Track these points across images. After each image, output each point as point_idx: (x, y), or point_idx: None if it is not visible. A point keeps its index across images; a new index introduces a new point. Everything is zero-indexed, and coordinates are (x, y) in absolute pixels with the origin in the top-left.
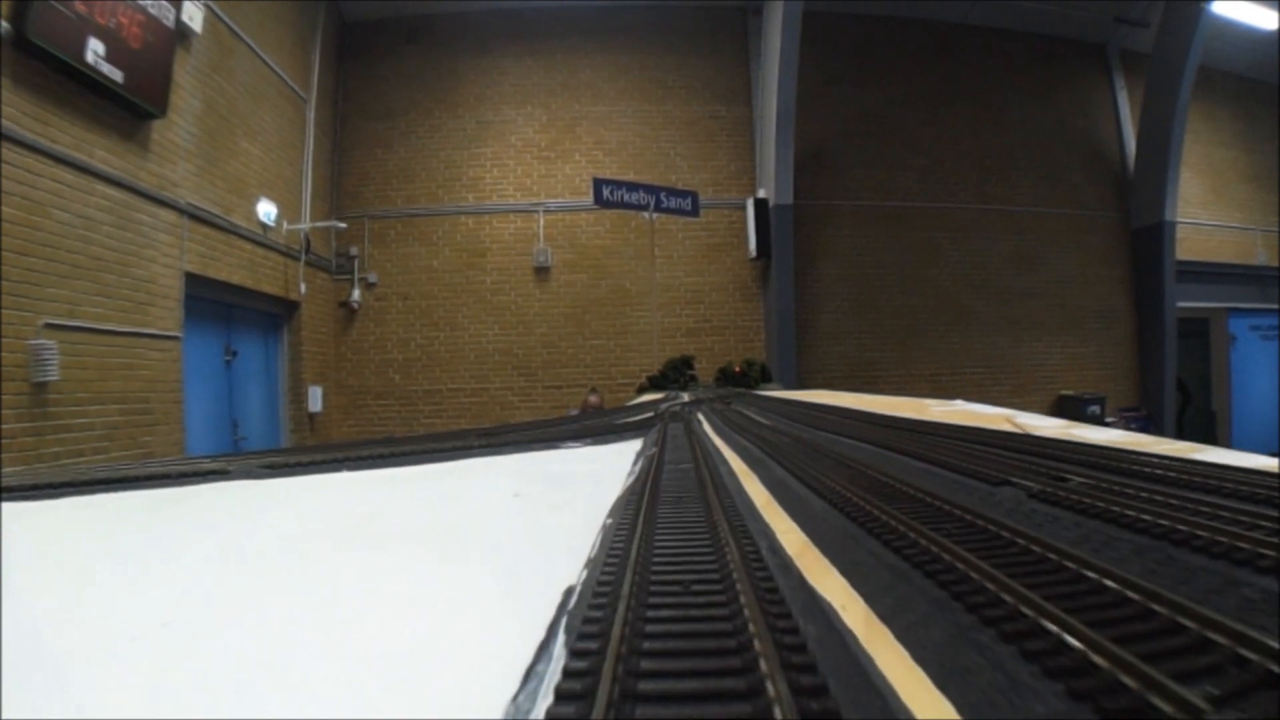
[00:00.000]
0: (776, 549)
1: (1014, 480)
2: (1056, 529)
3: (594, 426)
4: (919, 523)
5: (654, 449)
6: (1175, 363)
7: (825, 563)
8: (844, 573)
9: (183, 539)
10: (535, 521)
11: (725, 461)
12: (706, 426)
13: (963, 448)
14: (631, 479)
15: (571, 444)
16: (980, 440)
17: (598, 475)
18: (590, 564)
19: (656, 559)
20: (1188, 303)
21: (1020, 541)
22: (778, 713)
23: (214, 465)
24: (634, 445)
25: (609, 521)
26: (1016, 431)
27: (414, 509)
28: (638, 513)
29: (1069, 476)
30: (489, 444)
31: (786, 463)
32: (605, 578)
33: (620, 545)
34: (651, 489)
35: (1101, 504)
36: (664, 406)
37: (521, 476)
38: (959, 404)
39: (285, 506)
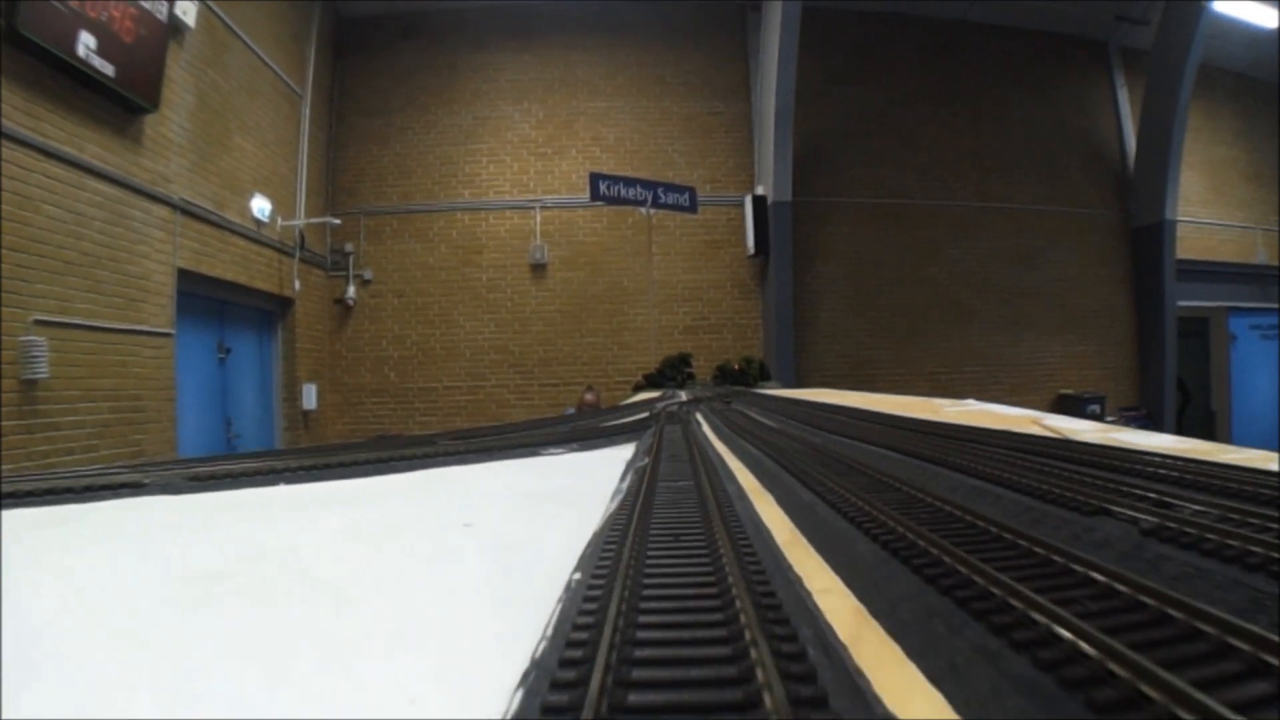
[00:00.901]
0: (823, 634)
1: (1112, 508)
2: (1207, 589)
3: (582, 429)
4: (1029, 588)
5: (647, 459)
6: (1175, 362)
7: (903, 660)
8: (936, 681)
9: (49, 573)
10: (477, 574)
11: (732, 476)
12: (706, 429)
13: (1009, 458)
14: (617, 501)
15: (554, 450)
16: (1025, 449)
17: (576, 495)
18: (532, 673)
19: (639, 667)
20: (1188, 302)
21: (1209, 630)
22: None
23: (127, 476)
24: (625, 452)
25: (576, 579)
26: (1055, 437)
27: (332, 543)
28: (618, 563)
29: (1173, 502)
30: (460, 450)
31: (806, 478)
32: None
33: (585, 635)
34: (640, 519)
35: (1258, 549)
36: (661, 406)
37: (484, 495)
38: (971, 403)
39: (185, 534)
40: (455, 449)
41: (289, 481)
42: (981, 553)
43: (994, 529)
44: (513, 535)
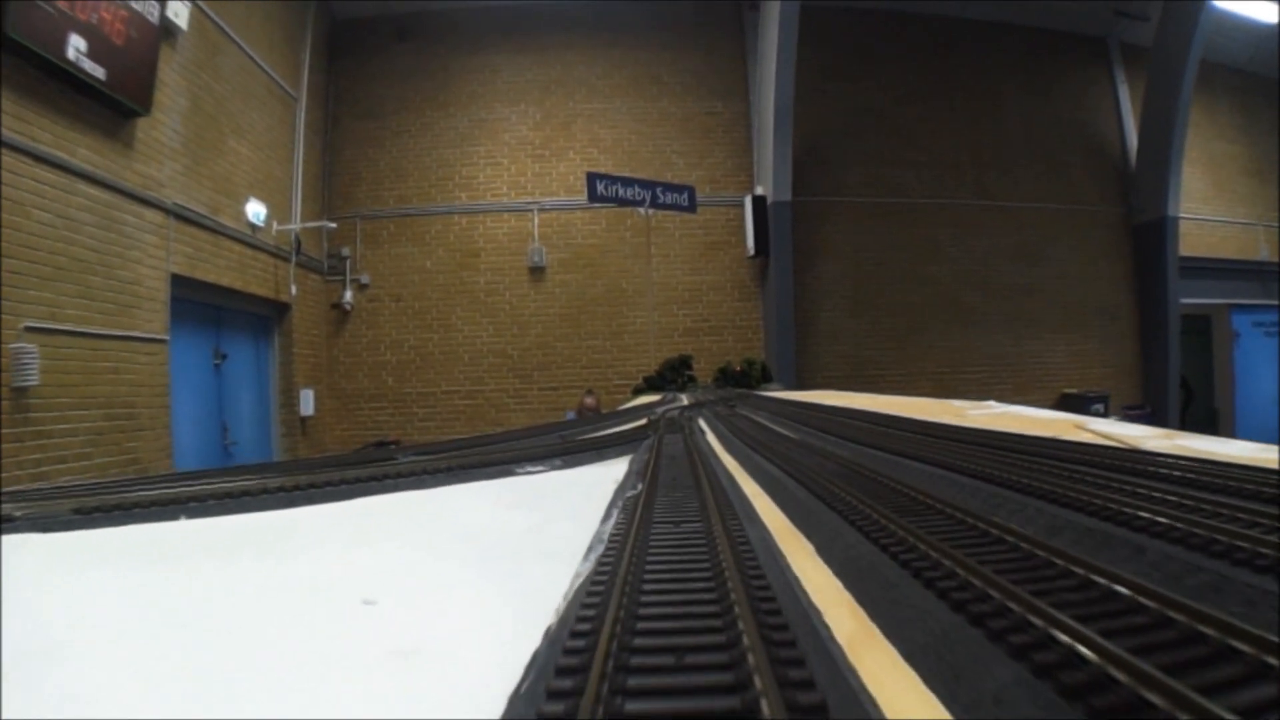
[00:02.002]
0: None
1: None
2: None
3: (570, 441)
4: None
5: (640, 485)
6: (1179, 359)
7: None
8: None
9: None
10: (351, 703)
11: (751, 510)
12: (711, 437)
13: (1105, 480)
14: (593, 561)
15: (533, 468)
16: (1108, 465)
17: (541, 544)
18: None
19: None
20: (1190, 299)
21: None
22: None
23: None
24: (617, 470)
25: None
26: (1123, 448)
27: (183, 618)
28: (579, 703)
29: None
30: (417, 471)
31: (856, 516)
32: None
33: None
34: (620, 602)
35: None
36: (661, 411)
37: (418, 542)
38: (993, 405)
39: (32, 589)
40: (414, 468)
41: (191, 515)
42: (1239, 690)
43: (1207, 628)
44: (421, 632)
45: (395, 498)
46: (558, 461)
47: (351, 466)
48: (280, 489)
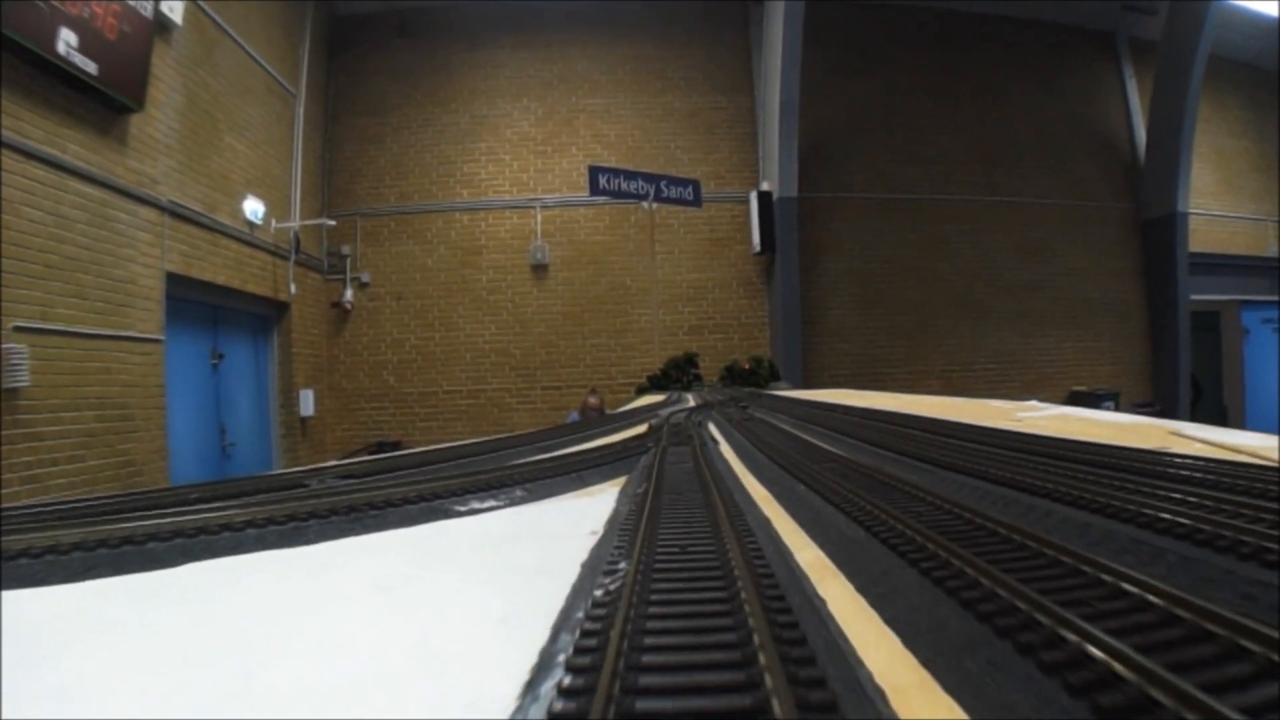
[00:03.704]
0: None
1: None
2: None
3: (548, 460)
4: None
5: (625, 561)
6: (1189, 356)
7: None
8: None
9: None
10: None
11: (829, 620)
12: (726, 450)
13: None
14: None
15: (483, 502)
16: None
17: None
18: None
19: None
20: (1199, 295)
21: None
22: None
23: None
24: (597, 509)
25: None
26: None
27: None
28: None
29: None
30: (300, 514)
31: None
32: None
33: None
34: None
35: None
36: (665, 414)
37: (229, 685)
38: (1038, 406)
39: None
40: (298, 510)
41: None
42: None
43: None
44: None
45: (227, 568)
46: (519, 492)
47: (239, 501)
48: (77, 547)
